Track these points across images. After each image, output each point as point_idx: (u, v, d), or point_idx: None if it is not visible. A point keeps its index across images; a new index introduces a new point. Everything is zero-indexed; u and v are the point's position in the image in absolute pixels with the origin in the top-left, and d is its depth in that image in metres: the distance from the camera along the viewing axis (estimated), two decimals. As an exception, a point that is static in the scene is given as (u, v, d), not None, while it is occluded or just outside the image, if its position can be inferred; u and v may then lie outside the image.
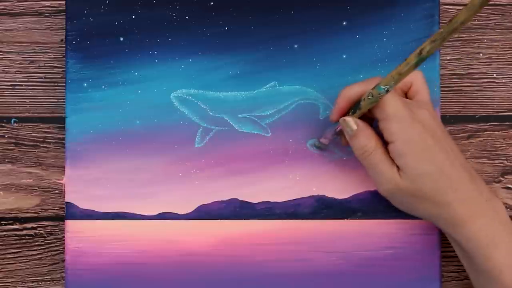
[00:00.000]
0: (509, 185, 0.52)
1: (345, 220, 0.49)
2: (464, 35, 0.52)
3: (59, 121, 0.52)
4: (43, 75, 0.52)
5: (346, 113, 0.46)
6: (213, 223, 0.49)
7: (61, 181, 0.52)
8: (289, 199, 0.49)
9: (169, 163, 0.49)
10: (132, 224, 0.49)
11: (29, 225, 0.52)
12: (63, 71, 0.52)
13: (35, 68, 0.52)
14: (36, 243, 0.52)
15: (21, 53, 0.52)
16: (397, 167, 0.44)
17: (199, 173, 0.49)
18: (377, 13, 0.49)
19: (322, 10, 0.50)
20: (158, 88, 0.50)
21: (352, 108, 0.45)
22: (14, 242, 0.52)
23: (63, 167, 0.51)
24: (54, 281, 0.52)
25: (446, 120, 0.52)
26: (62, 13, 0.52)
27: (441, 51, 0.52)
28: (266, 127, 0.50)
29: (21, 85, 0.52)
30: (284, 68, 0.50)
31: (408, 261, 0.49)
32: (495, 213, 0.44)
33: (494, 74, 0.52)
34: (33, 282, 0.52)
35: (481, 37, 0.52)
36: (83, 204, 0.49)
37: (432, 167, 0.43)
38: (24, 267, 0.52)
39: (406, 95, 0.48)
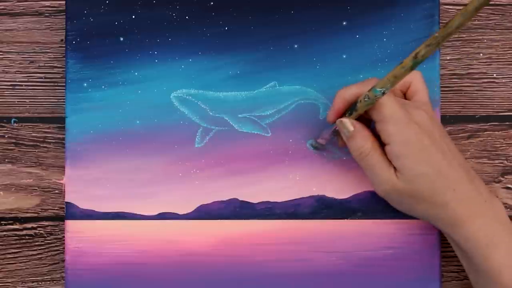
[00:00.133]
0: (509, 185, 0.52)
1: (345, 220, 0.49)
2: (464, 35, 0.52)
3: (59, 121, 0.52)
4: (43, 75, 0.52)
5: (343, 114, 0.46)
6: (213, 223, 0.49)
7: (61, 181, 0.52)
8: (289, 199, 0.49)
9: (169, 163, 0.49)
10: (132, 224, 0.49)
11: (29, 225, 0.52)
12: (63, 71, 0.52)
13: (35, 68, 0.52)
14: (36, 243, 0.52)
15: (21, 53, 0.52)
16: (394, 168, 0.44)
17: (199, 173, 0.49)
18: (377, 13, 0.49)
19: (322, 10, 0.50)
20: (158, 88, 0.50)
21: (349, 109, 0.45)
22: (14, 242, 0.52)
23: (63, 167, 0.51)
24: (54, 281, 0.52)
25: (446, 120, 0.52)
26: (62, 13, 0.52)
27: (441, 51, 0.52)
28: (266, 127, 0.50)
29: (21, 85, 0.52)
30: (284, 68, 0.50)
31: (408, 261, 0.49)
32: (494, 213, 0.44)
33: (494, 74, 0.52)
34: (33, 282, 0.52)
35: (481, 37, 0.52)
36: (83, 204, 0.49)
37: (429, 168, 0.43)
38: (24, 267, 0.52)
39: (405, 95, 0.48)
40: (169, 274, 0.49)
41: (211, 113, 0.50)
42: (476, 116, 0.52)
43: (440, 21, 0.50)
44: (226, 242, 0.49)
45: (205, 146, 0.50)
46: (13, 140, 0.52)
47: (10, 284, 0.52)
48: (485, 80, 0.52)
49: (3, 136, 0.52)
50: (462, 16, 0.34)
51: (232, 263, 0.49)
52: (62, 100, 0.52)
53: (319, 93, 0.50)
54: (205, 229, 0.49)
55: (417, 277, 0.48)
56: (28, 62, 0.52)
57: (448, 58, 0.52)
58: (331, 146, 0.49)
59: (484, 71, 0.52)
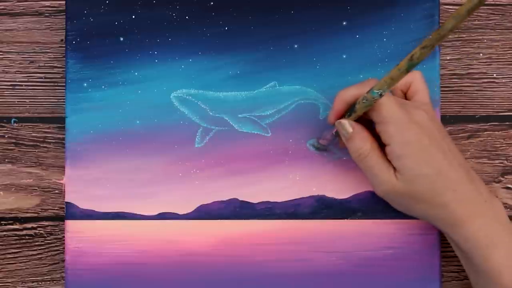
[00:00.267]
0: (509, 185, 0.52)
1: (345, 220, 0.49)
2: (464, 35, 0.52)
3: (59, 121, 0.52)
4: (43, 75, 0.52)
5: (342, 116, 0.46)
6: (213, 223, 0.49)
7: (61, 181, 0.52)
8: (289, 199, 0.49)
9: (169, 163, 0.49)
10: (132, 224, 0.49)
11: (29, 225, 0.52)
12: (63, 71, 0.52)
13: (35, 68, 0.52)
14: (36, 243, 0.52)
15: (21, 53, 0.52)
16: (394, 168, 0.44)
17: (199, 173, 0.49)
18: (377, 13, 0.49)
19: (322, 10, 0.50)
20: (158, 88, 0.50)
21: (348, 110, 0.45)
22: (14, 242, 0.52)
23: (63, 167, 0.51)
24: (54, 281, 0.52)
25: (446, 120, 0.52)
26: (62, 13, 0.52)
27: (441, 51, 0.52)
28: (266, 127, 0.50)
29: (21, 85, 0.52)
30: (284, 68, 0.50)
31: (408, 261, 0.49)
32: (494, 213, 0.44)
33: (494, 74, 0.52)
34: (33, 282, 0.52)
35: (481, 37, 0.52)
36: (83, 204, 0.49)
37: (429, 168, 0.43)
38: (24, 267, 0.52)
39: (405, 95, 0.48)
40: (169, 274, 0.49)
41: (211, 113, 0.50)
42: (476, 116, 0.52)
43: (440, 21, 0.50)
44: (226, 242, 0.49)
45: (205, 146, 0.50)
46: (13, 140, 0.52)
47: (10, 284, 0.52)
48: (485, 80, 0.52)
49: (3, 136, 0.52)
50: (454, 19, 0.34)
51: (232, 263, 0.49)
52: (62, 100, 0.52)
53: (319, 93, 0.50)
54: (205, 229, 0.49)
55: (417, 277, 0.48)
56: (28, 62, 0.52)
57: (448, 58, 0.52)
58: (331, 146, 0.49)
59: (484, 71, 0.52)
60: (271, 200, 0.49)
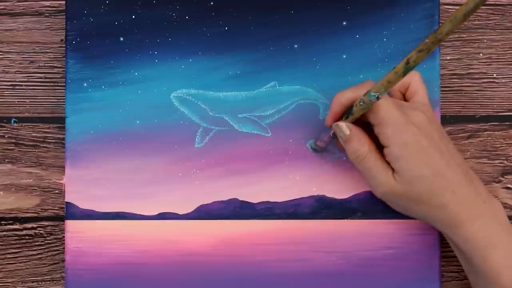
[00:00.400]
0: (509, 185, 0.52)
1: (345, 220, 0.49)
2: (464, 35, 0.52)
3: (59, 121, 0.52)
4: (43, 75, 0.52)
5: (340, 118, 0.46)
6: (213, 223, 0.49)
7: (61, 181, 0.52)
8: (289, 199, 0.49)
9: (169, 163, 0.49)
10: (132, 224, 0.49)
11: (29, 225, 0.52)
12: (63, 71, 0.52)
13: (35, 68, 0.52)
14: (36, 243, 0.52)
15: (21, 53, 0.52)
16: (392, 170, 0.44)
17: (199, 173, 0.49)
18: (377, 13, 0.49)
19: (322, 10, 0.50)
20: (158, 88, 0.50)
21: (346, 113, 0.45)
22: (14, 242, 0.52)
23: (63, 167, 0.51)
24: (54, 281, 0.52)
25: (446, 120, 0.52)
26: (62, 13, 0.52)
27: (441, 51, 0.52)
28: (266, 127, 0.50)
29: (21, 85, 0.52)
30: (284, 68, 0.50)
31: (407, 261, 0.49)
32: (493, 214, 0.44)
33: (494, 74, 0.52)
34: (33, 282, 0.52)
35: (481, 37, 0.52)
36: (83, 204, 0.49)
37: (427, 169, 0.43)
38: (24, 267, 0.52)
39: (404, 96, 0.48)
40: (169, 274, 0.49)
41: (211, 113, 0.50)
42: (476, 116, 0.52)
43: (440, 21, 0.50)
44: (226, 242, 0.49)
45: (205, 146, 0.50)
46: (13, 140, 0.52)
47: (10, 284, 0.52)
48: (485, 80, 0.52)
49: (3, 136, 0.52)
50: (451, 23, 0.34)
51: (232, 263, 0.49)
52: (62, 100, 0.52)
53: (319, 93, 0.50)
54: (205, 229, 0.49)
55: (417, 277, 0.48)
56: (28, 62, 0.52)
57: (448, 58, 0.52)
58: (331, 146, 0.49)
59: (484, 71, 0.52)
60: (271, 200, 0.49)
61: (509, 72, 0.52)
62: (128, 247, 0.49)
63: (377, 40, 0.49)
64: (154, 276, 0.49)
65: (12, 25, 0.52)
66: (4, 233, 0.52)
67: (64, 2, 0.50)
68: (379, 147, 0.45)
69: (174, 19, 0.50)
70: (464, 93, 0.52)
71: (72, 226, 0.49)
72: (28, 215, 0.52)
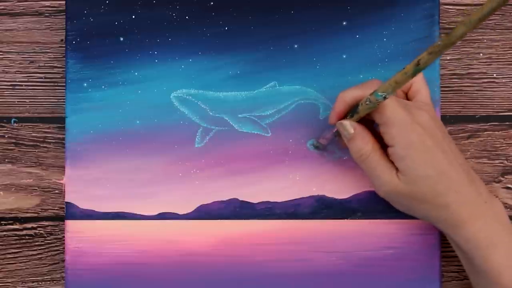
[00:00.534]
0: (509, 185, 0.52)
1: (345, 220, 0.49)
2: (464, 35, 0.52)
3: (59, 121, 0.52)
4: (43, 75, 0.52)
5: (344, 116, 0.46)
6: (213, 223, 0.49)
7: (61, 181, 0.52)
8: (289, 199, 0.49)
9: (169, 163, 0.49)
10: (132, 224, 0.49)
11: (29, 225, 0.52)
12: (63, 71, 0.52)
13: (35, 68, 0.52)
14: (36, 243, 0.52)
15: (21, 53, 0.52)
16: (396, 169, 0.44)
17: (199, 173, 0.49)
18: (377, 13, 0.49)
19: (322, 10, 0.50)
20: (158, 88, 0.50)
21: (350, 111, 0.45)
22: (14, 242, 0.52)
23: (63, 167, 0.51)
24: (54, 281, 0.52)
25: (446, 120, 0.52)
26: (62, 13, 0.52)
27: (441, 51, 0.52)
28: (266, 127, 0.50)
29: (21, 85, 0.52)
30: (284, 68, 0.50)
31: (408, 261, 0.49)
32: (494, 214, 0.44)
33: (494, 74, 0.52)
34: (33, 282, 0.52)
35: (481, 37, 0.52)
36: (83, 204, 0.49)
37: (432, 169, 0.43)
38: (24, 267, 0.52)
39: (406, 95, 0.48)
40: (169, 274, 0.49)
41: (211, 113, 0.50)
42: (476, 116, 0.52)
43: (440, 21, 0.50)
44: (226, 242, 0.49)
45: (205, 146, 0.50)
46: (13, 140, 0.52)
47: (10, 284, 0.52)
48: (485, 80, 0.52)
49: (3, 136, 0.52)
50: (465, 26, 0.34)
51: (232, 263, 0.49)
52: (62, 100, 0.52)
53: (319, 93, 0.50)
54: (205, 229, 0.49)
55: (417, 277, 0.48)
56: (28, 62, 0.52)
57: (448, 58, 0.52)
58: (331, 145, 0.49)
59: (484, 71, 0.52)
60: (271, 200, 0.49)
61: (509, 72, 0.52)
62: (128, 247, 0.49)
63: (377, 40, 0.49)
64: (154, 276, 0.49)
65: (12, 25, 0.52)
66: (4, 233, 0.52)
67: (64, 2, 0.50)
68: (383, 146, 0.45)
69: (174, 19, 0.50)
70: (464, 93, 0.52)
71: (72, 226, 0.49)
72: (28, 215, 0.52)
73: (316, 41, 0.50)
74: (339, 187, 0.49)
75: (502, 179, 0.52)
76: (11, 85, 0.52)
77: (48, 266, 0.52)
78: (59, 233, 0.52)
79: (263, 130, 0.50)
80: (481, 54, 0.52)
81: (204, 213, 0.49)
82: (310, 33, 0.50)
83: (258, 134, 0.50)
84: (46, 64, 0.52)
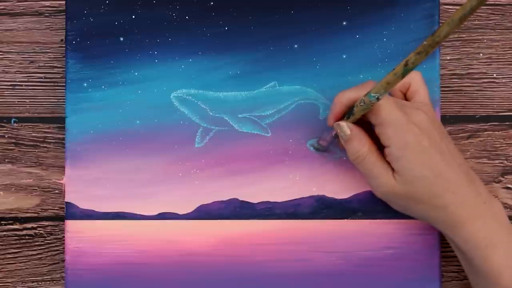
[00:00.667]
0: (509, 185, 0.52)
1: (345, 220, 0.49)
2: (464, 35, 0.52)
3: (59, 121, 0.52)
4: (43, 75, 0.52)
5: (341, 118, 0.46)
6: (213, 223, 0.49)
7: (61, 181, 0.52)
8: (289, 199, 0.49)
9: (169, 163, 0.49)
10: (132, 224, 0.49)
11: (29, 225, 0.52)
12: (63, 71, 0.52)
13: (35, 68, 0.52)
14: (36, 243, 0.52)
15: (21, 53, 0.52)
16: (392, 170, 0.44)
17: (199, 173, 0.49)
18: (377, 13, 0.49)
19: (322, 10, 0.50)
20: (158, 88, 0.50)
21: (347, 113, 0.45)
22: (14, 242, 0.52)
23: (63, 167, 0.51)
24: (54, 281, 0.52)
25: (446, 120, 0.52)
26: (62, 13, 0.52)
27: (441, 51, 0.52)
28: (266, 127, 0.50)
29: (21, 85, 0.52)
30: (284, 68, 0.50)
31: (408, 261, 0.49)
32: (493, 214, 0.44)
33: (494, 74, 0.52)
34: (33, 282, 0.52)
35: (481, 37, 0.52)
36: (83, 204, 0.49)
37: (428, 170, 0.43)
38: (24, 267, 0.52)
39: (405, 95, 0.48)
40: (169, 274, 0.49)
41: (211, 113, 0.50)
42: (476, 116, 0.52)
43: (440, 21, 0.50)
44: (226, 242, 0.49)
45: (205, 146, 0.50)
46: (13, 140, 0.52)
47: (10, 284, 0.52)
48: (485, 80, 0.52)
49: (3, 136, 0.52)
50: (448, 26, 0.34)
51: (232, 263, 0.49)
52: (62, 100, 0.52)
53: (319, 93, 0.50)
54: (205, 229, 0.49)
55: (417, 277, 0.48)
56: (28, 62, 0.52)
57: (448, 58, 0.52)
58: (331, 146, 0.49)
59: (484, 71, 0.52)
60: (271, 200, 0.49)
61: (509, 72, 0.52)
62: (128, 247, 0.49)
63: (377, 40, 0.49)
64: (154, 276, 0.49)
65: (12, 25, 0.52)
66: (4, 233, 0.52)
67: (64, 2, 0.50)
68: (380, 147, 0.45)
69: (174, 19, 0.50)
70: (464, 93, 0.52)
71: (72, 226, 0.49)
72: (28, 215, 0.52)
73: (316, 41, 0.50)
74: (339, 187, 0.49)
75: (502, 179, 0.52)
76: (11, 85, 0.52)
77: (48, 266, 0.52)
78: (59, 233, 0.52)
79: (263, 130, 0.50)
80: (481, 54, 0.52)
81: (204, 213, 0.49)
82: (310, 33, 0.50)
83: (258, 134, 0.50)
84: (46, 64, 0.52)
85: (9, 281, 0.52)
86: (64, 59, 0.50)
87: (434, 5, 0.49)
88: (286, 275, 0.49)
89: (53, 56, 0.52)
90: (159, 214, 0.49)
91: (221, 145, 0.50)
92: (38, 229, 0.52)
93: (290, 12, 0.50)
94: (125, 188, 0.49)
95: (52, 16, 0.53)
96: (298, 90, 0.50)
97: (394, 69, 0.39)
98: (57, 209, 0.52)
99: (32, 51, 0.52)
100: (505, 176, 0.52)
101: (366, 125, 0.45)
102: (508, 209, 0.51)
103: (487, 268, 0.43)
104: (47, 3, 0.53)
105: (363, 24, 0.49)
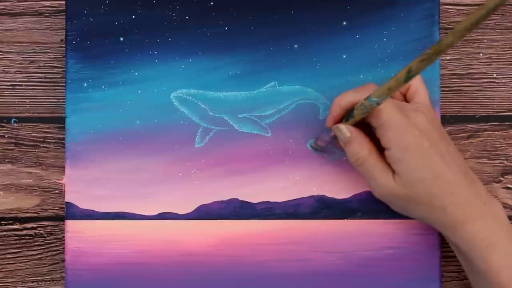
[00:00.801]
0: (509, 185, 0.52)
1: (345, 220, 0.49)
2: (464, 35, 0.52)
3: (59, 121, 0.52)
4: (43, 75, 0.52)
5: (340, 120, 0.46)
6: (213, 223, 0.49)
7: (61, 181, 0.52)
8: (289, 199, 0.49)
9: (169, 163, 0.49)
10: (132, 224, 0.49)
11: (29, 225, 0.52)
12: (63, 71, 0.52)
13: (35, 68, 0.52)
14: (36, 243, 0.52)
15: (21, 53, 0.52)
16: (392, 171, 0.44)
17: (199, 173, 0.49)
18: (377, 13, 0.49)
19: (322, 10, 0.50)
20: (158, 88, 0.50)
21: (347, 115, 0.45)
22: (14, 242, 0.52)
23: (63, 167, 0.51)
24: (54, 281, 0.52)
25: (446, 120, 0.52)
26: (62, 13, 0.52)
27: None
28: (266, 127, 0.50)
29: (21, 85, 0.52)
30: (284, 68, 0.50)
31: (408, 261, 0.49)
32: (493, 215, 0.44)
33: (494, 74, 0.52)
34: (33, 282, 0.52)
35: (481, 37, 0.52)
36: (83, 204, 0.49)
37: (428, 172, 0.42)
38: (24, 267, 0.52)
39: (404, 96, 0.48)
40: (169, 274, 0.49)
41: (211, 113, 0.50)
42: (476, 116, 0.52)
43: (440, 21, 0.50)
44: (226, 242, 0.49)
45: (205, 146, 0.50)
46: (13, 140, 0.52)
47: (10, 284, 0.52)
48: (485, 80, 0.52)
49: (3, 136, 0.52)
50: (453, 36, 0.34)
51: (232, 263, 0.49)
52: (62, 100, 0.52)
53: (319, 93, 0.50)
54: (205, 229, 0.49)
55: (417, 277, 0.48)
56: (28, 62, 0.52)
57: (448, 58, 0.52)
58: (331, 146, 0.49)
59: (484, 71, 0.52)
60: (271, 200, 0.49)
61: (509, 72, 0.52)
62: (128, 247, 0.49)
63: (377, 40, 0.49)
64: (154, 276, 0.49)
65: (12, 25, 0.52)
66: (4, 233, 0.52)
67: (64, 2, 0.50)
68: (379, 148, 0.45)
69: (174, 19, 0.50)
70: (464, 93, 0.52)
71: (72, 226, 0.49)
72: (28, 215, 0.52)
73: (316, 41, 0.50)
74: (339, 187, 0.49)
75: (502, 179, 0.52)
76: (11, 85, 0.52)
77: (48, 266, 0.52)
78: (59, 233, 0.52)
79: (263, 130, 0.50)
80: (481, 54, 0.52)
81: (204, 213, 0.49)
82: (310, 33, 0.50)
83: (258, 134, 0.50)
84: (46, 64, 0.52)
85: (9, 281, 0.52)
86: (64, 59, 0.50)
87: (434, 5, 0.49)
88: (286, 275, 0.49)
89: (53, 56, 0.52)
90: (159, 214, 0.49)
91: (221, 145, 0.50)
92: (38, 229, 0.52)
93: (290, 12, 0.50)
94: (125, 188, 0.49)
95: (52, 16, 0.53)
96: (298, 90, 0.50)
97: (396, 74, 0.39)
98: (57, 209, 0.52)
99: (32, 51, 0.52)
100: (505, 176, 0.52)
101: (364, 126, 0.45)
102: (508, 209, 0.51)
103: (487, 268, 0.43)
104: (47, 3, 0.53)
105: (363, 24, 0.49)
